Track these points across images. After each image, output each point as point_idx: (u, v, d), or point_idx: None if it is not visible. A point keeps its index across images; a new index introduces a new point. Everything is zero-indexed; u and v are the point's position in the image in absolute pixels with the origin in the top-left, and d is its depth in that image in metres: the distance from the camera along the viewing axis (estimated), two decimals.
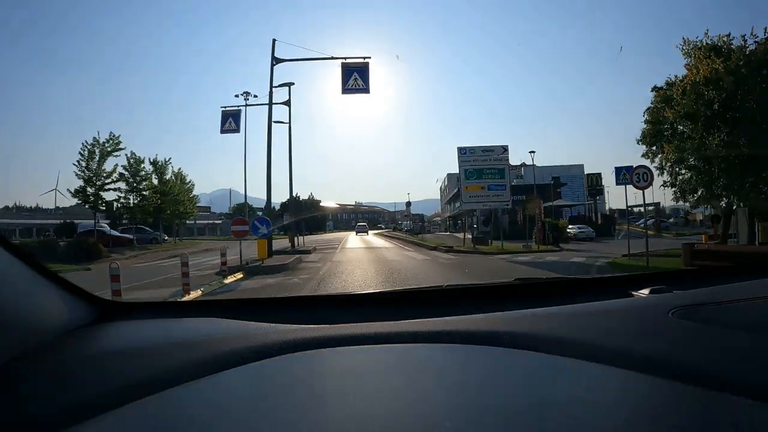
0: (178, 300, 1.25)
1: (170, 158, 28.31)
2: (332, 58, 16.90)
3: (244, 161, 25.47)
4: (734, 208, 14.08)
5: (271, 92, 17.72)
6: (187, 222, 36.94)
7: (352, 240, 32.24)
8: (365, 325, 0.85)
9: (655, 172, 13.23)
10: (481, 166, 19.33)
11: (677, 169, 13.94)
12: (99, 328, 0.92)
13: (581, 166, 49.70)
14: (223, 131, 19.40)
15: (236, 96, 27.33)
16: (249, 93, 23.55)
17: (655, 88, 14.93)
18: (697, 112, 12.33)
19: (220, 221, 57.13)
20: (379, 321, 0.87)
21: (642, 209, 22.46)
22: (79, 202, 22.60)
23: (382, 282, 8.92)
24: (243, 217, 19.01)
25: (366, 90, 16.67)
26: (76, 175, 21.10)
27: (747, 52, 12.26)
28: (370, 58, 16.66)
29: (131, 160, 24.11)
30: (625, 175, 12.04)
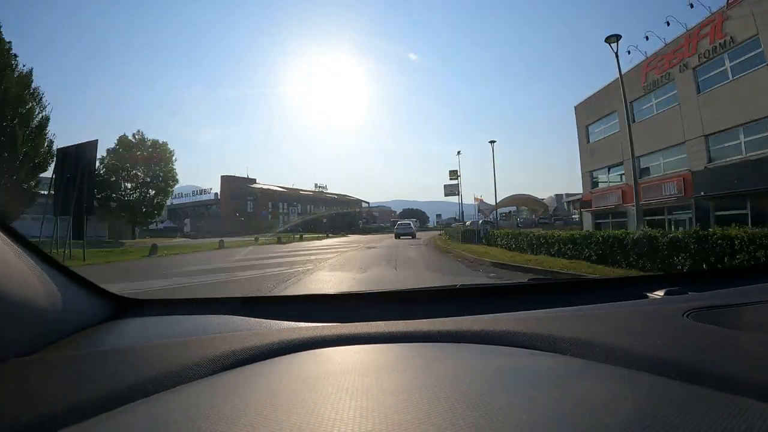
0: (194, 297, 1.26)
1: None
2: None
3: None
4: None
5: None
6: None
7: None
8: (378, 324, 0.85)
9: None
10: None
11: None
12: (114, 324, 0.94)
13: None
14: None
15: None
16: None
17: None
18: None
19: None
20: (391, 320, 0.87)
21: None
22: None
23: None
24: None
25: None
26: None
27: None
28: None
29: None
30: None
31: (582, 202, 24.40)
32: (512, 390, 0.50)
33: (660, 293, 1.08)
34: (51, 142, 20.43)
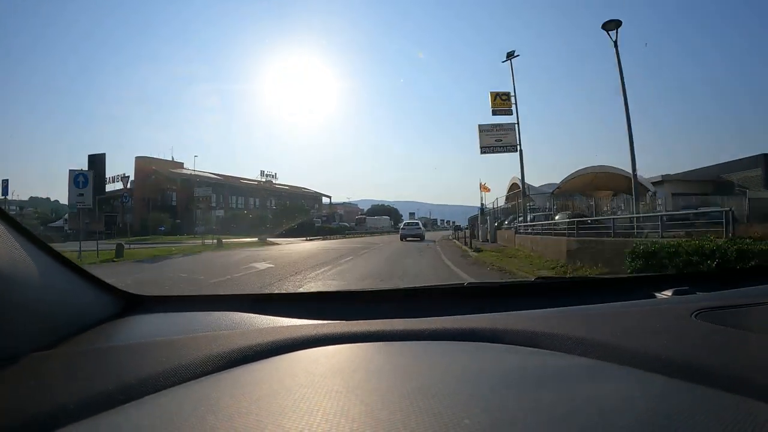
0: (201, 294, 1.23)
1: None
2: None
3: None
4: None
5: None
6: None
7: None
8: (384, 322, 0.84)
9: None
10: None
11: None
12: (123, 320, 0.96)
13: None
14: None
15: None
16: None
17: None
18: None
19: None
20: (397, 318, 0.87)
21: None
22: None
23: None
24: None
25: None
26: None
27: None
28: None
29: None
30: None
31: None
32: (518, 389, 0.50)
33: (668, 293, 1.09)
34: None
